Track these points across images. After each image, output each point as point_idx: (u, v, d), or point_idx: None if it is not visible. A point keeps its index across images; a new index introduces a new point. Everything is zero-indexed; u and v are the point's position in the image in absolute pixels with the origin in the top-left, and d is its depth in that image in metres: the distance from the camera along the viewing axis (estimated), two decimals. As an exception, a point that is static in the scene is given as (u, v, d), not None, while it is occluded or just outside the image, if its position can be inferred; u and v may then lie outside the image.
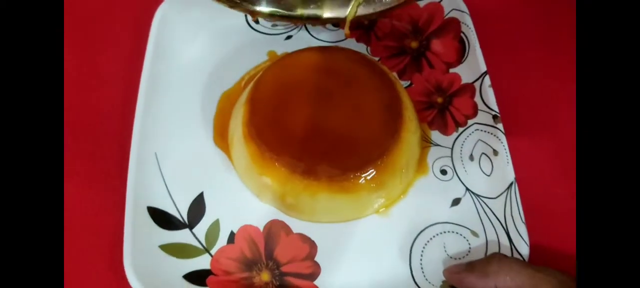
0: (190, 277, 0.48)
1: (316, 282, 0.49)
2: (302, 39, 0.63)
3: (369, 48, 0.64)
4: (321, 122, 0.52)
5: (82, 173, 0.54)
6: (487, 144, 0.56)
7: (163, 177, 0.53)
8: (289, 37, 0.64)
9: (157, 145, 0.54)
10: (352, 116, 0.52)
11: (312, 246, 0.51)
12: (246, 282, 0.48)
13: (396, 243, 0.51)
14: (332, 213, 0.51)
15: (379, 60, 0.63)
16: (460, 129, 0.58)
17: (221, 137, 0.56)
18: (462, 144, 0.57)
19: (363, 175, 0.50)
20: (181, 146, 0.55)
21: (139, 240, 0.48)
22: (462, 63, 0.62)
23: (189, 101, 0.58)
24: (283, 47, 0.63)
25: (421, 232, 0.52)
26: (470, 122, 0.58)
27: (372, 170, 0.50)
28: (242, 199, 0.53)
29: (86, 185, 0.53)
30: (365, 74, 0.55)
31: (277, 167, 0.50)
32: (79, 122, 0.57)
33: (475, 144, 0.56)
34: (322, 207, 0.51)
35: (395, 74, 0.62)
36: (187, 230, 0.51)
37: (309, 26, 0.65)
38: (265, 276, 0.49)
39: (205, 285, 0.48)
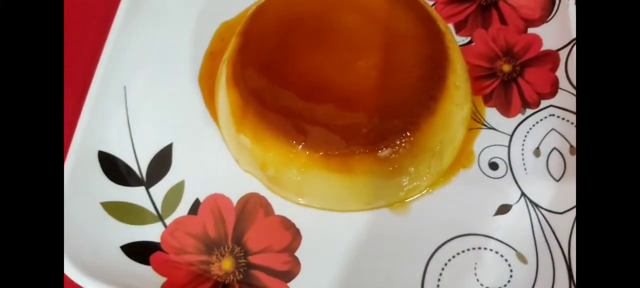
0: (129, 249, 0.39)
1: (290, 284, 0.38)
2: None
3: (423, -12, 0.51)
4: (329, 72, 0.40)
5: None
6: (563, 136, 0.43)
7: (128, 116, 0.44)
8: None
9: (128, 77, 0.45)
10: (374, 69, 0.40)
11: (295, 235, 0.40)
12: (200, 267, 0.39)
13: (409, 252, 0.39)
14: (327, 197, 0.40)
15: (432, 5, 0.49)
16: (529, 111, 0.44)
17: (209, 77, 0.45)
18: (528, 132, 0.43)
19: (376, 153, 0.38)
20: (157, 82, 0.46)
21: (77, 190, 0.39)
22: (547, 22, 0.48)
23: (178, 28, 0.48)
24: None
25: (446, 242, 0.40)
26: (544, 103, 0.44)
27: (391, 147, 0.38)
28: (218, 161, 0.43)
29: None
30: (403, 16, 0.43)
31: (261, 126, 0.39)
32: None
33: (547, 134, 0.43)
34: (314, 187, 0.40)
35: (451, 26, 0.48)
36: (142, 189, 0.42)
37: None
38: (226, 264, 0.39)
39: (147, 264, 0.38)
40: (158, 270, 0.38)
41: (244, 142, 0.40)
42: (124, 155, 0.43)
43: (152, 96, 0.45)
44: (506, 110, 0.45)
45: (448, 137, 0.41)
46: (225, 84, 0.41)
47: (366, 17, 0.43)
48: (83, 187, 0.40)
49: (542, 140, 0.43)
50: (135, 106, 0.45)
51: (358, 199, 0.40)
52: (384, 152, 0.38)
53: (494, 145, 0.44)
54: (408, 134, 0.39)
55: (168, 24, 0.48)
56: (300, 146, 0.38)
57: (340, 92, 0.40)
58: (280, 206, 0.41)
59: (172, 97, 0.45)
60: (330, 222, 0.41)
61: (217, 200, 0.41)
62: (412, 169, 0.40)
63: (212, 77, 0.45)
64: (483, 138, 0.44)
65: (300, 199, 0.41)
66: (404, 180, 0.40)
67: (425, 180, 0.41)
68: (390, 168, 0.39)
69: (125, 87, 0.45)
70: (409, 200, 0.41)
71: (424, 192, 0.42)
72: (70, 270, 0.35)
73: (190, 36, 0.48)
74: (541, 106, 0.45)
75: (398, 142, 0.38)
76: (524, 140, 0.44)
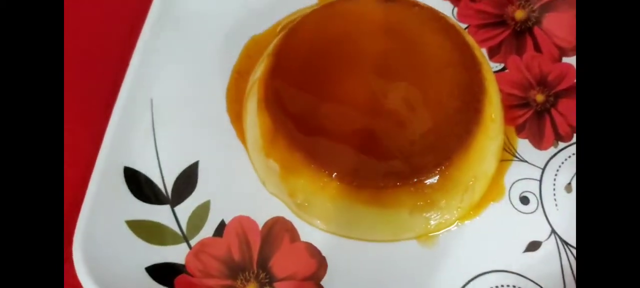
0: (154, 270, 0.39)
1: (315, 315, 0.38)
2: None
3: (456, 10, 0.50)
4: (363, 99, 0.40)
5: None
6: (596, 173, 0.42)
7: (154, 131, 0.44)
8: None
9: (155, 91, 0.45)
10: (408, 98, 0.40)
11: (320, 264, 0.40)
12: (224, 292, 0.38)
13: (436, 286, 0.39)
14: (355, 227, 0.40)
15: (465, 28, 0.48)
16: (561, 144, 0.44)
17: (236, 95, 0.45)
18: (560, 166, 0.43)
19: (409, 188, 0.38)
20: (185, 96, 0.45)
21: (102, 207, 0.39)
22: (582, 52, 0.46)
23: (206, 41, 0.48)
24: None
25: (475, 278, 0.39)
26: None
27: (423, 181, 0.38)
28: (244, 182, 0.42)
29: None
30: (440, 41, 0.43)
31: (291, 151, 0.39)
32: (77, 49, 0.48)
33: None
34: (343, 216, 0.40)
35: (484, 51, 0.48)
36: (167, 207, 0.42)
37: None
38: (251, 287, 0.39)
39: (171, 287, 0.38)
40: (182, 293, 0.38)
41: (272, 166, 0.40)
42: (150, 171, 0.43)
43: (179, 111, 0.45)
44: (538, 142, 0.45)
45: (481, 170, 0.41)
46: (257, 105, 0.41)
47: (402, 42, 0.42)
48: (108, 204, 0.40)
49: (574, 176, 0.43)
50: (162, 121, 0.45)
51: (386, 230, 0.40)
52: (417, 187, 0.38)
53: (526, 178, 0.43)
54: (442, 168, 0.38)
55: (196, 36, 0.48)
56: (332, 175, 0.38)
57: (374, 121, 0.39)
58: (306, 232, 0.41)
59: (199, 113, 0.45)
60: (357, 251, 0.40)
61: (242, 222, 0.41)
62: (444, 203, 0.40)
63: (239, 95, 0.45)
64: (514, 170, 0.44)
65: (328, 226, 0.40)
66: (434, 213, 0.40)
67: (455, 214, 0.41)
68: (421, 202, 0.38)
69: (151, 100, 0.45)
70: (437, 233, 0.41)
71: (453, 226, 0.41)
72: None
73: (219, 50, 0.48)
74: (574, 140, 0.44)
75: (431, 177, 0.38)
76: (556, 175, 0.43)
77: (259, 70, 0.43)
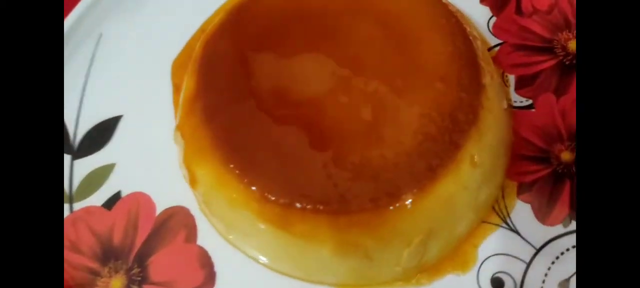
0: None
1: (180, 340, 0.30)
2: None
3: (493, 20, 0.40)
4: (307, 91, 0.31)
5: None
6: (609, 277, 0.30)
7: (90, 66, 0.38)
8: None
9: (108, 26, 0.39)
10: (368, 106, 0.31)
11: (208, 279, 0.32)
12: (84, 276, 0.32)
13: None
14: (260, 249, 0.32)
15: (497, 46, 0.38)
16: (575, 225, 0.32)
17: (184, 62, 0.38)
18: (562, 254, 0.32)
19: (328, 216, 0.29)
20: (136, 39, 0.39)
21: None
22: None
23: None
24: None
25: None
26: (601, 222, 0.32)
27: (351, 216, 0.29)
28: (162, 158, 0.35)
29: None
30: (436, 45, 0.33)
31: (202, 128, 0.32)
32: None
33: None
34: (245, 230, 0.31)
35: (511, 78, 0.37)
36: (67, 158, 0.36)
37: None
38: (115, 284, 0.32)
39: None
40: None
41: (180, 142, 0.32)
42: (67, 110, 0.37)
43: (125, 57, 0.39)
44: (544, 213, 0.34)
45: (440, 227, 0.31)
46: (189, 68, 0.34)
47: (384, 30, 0.33)
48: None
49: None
50: (103, 60, 0.39)
51: (299, 265, 0.32)
52: (341, 221, 0.29)
53: (509, 255, 0.32)
54: (380, 207, 0.29)
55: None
56: (235, 172, 0.30)
57: (311, 121, 0.31)
58: (206, 235, 0.33)
59: (144, 68, 0.39)
60: (257, 280, 0.32)
61: (139, 201, 0.34)
62: (377, 254, 0.30)
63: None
64: (497, 240, 0.33)
65: (227, 232, 0.32)
66: (364, 263, 0.30)
67: (397, 272, 0.31)
68: (347, 244, 0.29)
69: (100, 35, 0.39)
70: (366, 288, 0.32)
71: (391, 287, 0.32)
72: None
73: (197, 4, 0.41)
74: (596, 224, 0.33)
75: (361, 214, 0.29)
76: (553, 264, 0.32)
77: (208, 30, 0.35)
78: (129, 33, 0.40)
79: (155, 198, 0.35)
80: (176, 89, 0.37)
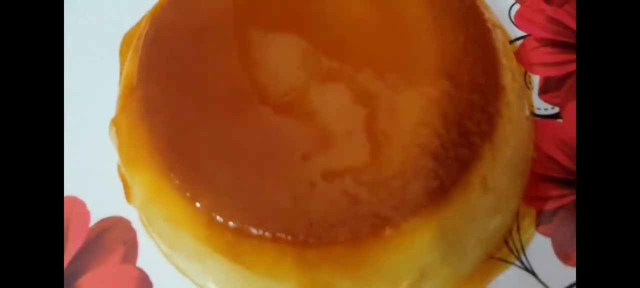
0: None
1: None
2: None
3: (516, 7, 0.33)
4: (279, 84, 0.25)
5: None
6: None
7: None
8: None
9: None
10: (352, 109, 0.25)
11: (145, 310, 0.26)
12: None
13: None
14: (207, 275, 0.25)
15: (517, 42, 0.32)
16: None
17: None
18: (589, 303, 0.25)
19: (295, 250, 0.23)
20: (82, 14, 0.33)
21: None
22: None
23: None
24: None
25: None
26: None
27: (322, 250, 0.23)
28: (104, 155, 0.29)
29: None
30: (447, 34, 0.26)
31: (140, 121, 0.25)
32: None
33: None
34: (187, 251, 0.25)
35: (535, 80, 0.31)
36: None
37: None
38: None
39: None
40: None
41: (114, 138, 0.26)
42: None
43: (72, 29, 0.33)
44: (568, 250, 0.28)
45: (438, 266, 0.25)
46: (132, 45, 0.28)
47: (377, 10, 0.27)
48: None
49: (608, 329, 0.25)
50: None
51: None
52: (307, 253, 0.23)
53: (522, 301, 0.26)
54: (359, 241, 0.23)
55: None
56: (175, 182, 0.23)
57: (278, 123, 0.24)
58: (149, 256, 0.27)
59: (91, 43, 0.33)
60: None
61: (71, 207, 0.28)
62: (355, 293, 0.24)
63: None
64: (508, 281, 0.27)
65: (174, 258, 0.26)
66: (336, 302, 0.24)
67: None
68: (310, 283, 0.23)
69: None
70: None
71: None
72: None
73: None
74: (632, 268, 0.26)
75: (334, 247, 0.23)
76: (578, 315, 0.26)
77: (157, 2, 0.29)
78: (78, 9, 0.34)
79: (90, 205, 0.29)
80: (121, 72, 0.31)
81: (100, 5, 0.34)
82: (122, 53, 0.33)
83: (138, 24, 0.33)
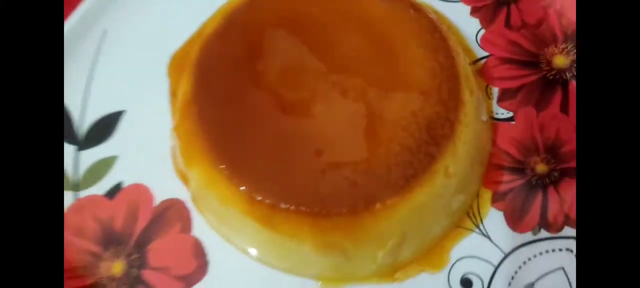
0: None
1: (171, 321, 0.34)
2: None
3: (482, 32, 0.43)
4: (295, 96, 0.35)
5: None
6: (570, 283, 0.34)
7: (95, 62, 0.42)
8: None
9: (112, 23, 0.43)
10: (349, 114, 0.34)
11: (200, 267, 0.36)
12: (87, 259, 0.36)
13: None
14: (247, 239, 0.35)
15: (480, 61, 0.41)
16: (544, 234, 0.36)
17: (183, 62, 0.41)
18: (530, 259, 0.35)
19: (309, 218, 0.32)
20: (139, 40, 0.42)
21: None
22: (619, 130, 0.37)
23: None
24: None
25: None
26: (568, 231, 0.35)
27: (328, 218, 0.32)
28: (159, 153, 0.39)
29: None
30: (421, 60, 0.37)
31: (195, 129, 0.35)
32: None
33: (553, 271, 0.35)
34: (233, 226, 0.35)
35: (495, 91, 0.40)
36: (72, 149, 0.39)
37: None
38: (116, 268, 0.36)
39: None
40: (44, 244, 0.36)
41: (175, 142, 0.36)
42: (72, 104, 0.41)
43: (128, 54, 0.42)
44: (516, 221, 0.37)
45: (413, 231, 0.34)
46: (186, 71, 0.37)
47: (373, 44, 0.36)
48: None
49: (542, 276, 0.35)
50: (107, 56, 0.42)
51: (283, 259, 0.35)
52: (319, 222, 0.32)
53: (480, 258, 0.36)
54: (356, 211, 0.32)
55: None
56: (225, 173, 0.33)
57: (297, 127, 0.34)
58: (201, 228, 0.37)
59: (145, 65, 0.42)
60: (244, 269, 0.36)
61: (139, 192, 0.38)
62: (352, 253, 0.34)
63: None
64: (469, 243, 0.37)
65: (219, 226, 0.36)
66: (339, 260, 0.34)
67: (371, 269, 0.35)
68: (323, 243, 0.33)
69: (105, 32, 0.43)
70: (344, 283, 0.35)
71: (367, 281, 0.35)
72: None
73: (196, 3, 0.44)
74: (562, 233, 0.36)
75: (339, 217, 0.32)
76: (520, 268, 0.35)
77: (205, 35, 0.39)
78: (132, 30, 0.43)
79: (153, 190, 0.38)
80: (172, 88, 0.41)
81: (151, 32, 0.43)
82: (171, 69, 0.42)
83: (183, 47, 0.42)
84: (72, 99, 0.41)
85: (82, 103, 0.41)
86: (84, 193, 0.38)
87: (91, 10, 0.43)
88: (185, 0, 0.45)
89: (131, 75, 0.42)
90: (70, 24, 0.42)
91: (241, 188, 0.33)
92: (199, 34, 0.42)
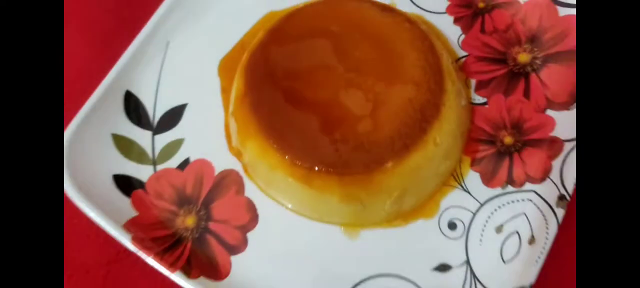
0: (119, 179, 0.49)
1: (233, 258, 0.47)
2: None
3: (462, 37, 0.55)
4: (326, 90, 0.47)
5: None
6: (530, 224, 0.46)
7: (162, 69, 0.54)
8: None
9: (173, 37, 0.55)
10: (364, 101, 0.47)
11: (252, 219, 0.48)
12: (167, 216, 0.48)
13: (339, 273, 0.46)
14: (289, 198, 0.48)
15: (461, 59, 0.54)
16: (510, 188, 0.48)
17: (230, 65, 0.54)
18: (499, 207, 0.48)
19: (335, 176, 0.45)
20: (195, 50, 0.55)
21: (96, 118, 0.50)
22: (568, 109, 0.50)
23: (226, 11, 0.57)
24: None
25: (378, 276, 0.46)
26: (528, 186, 0.48)
27: (350, 176, 0.45)
28: (216, 135, 0.51)
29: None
30: (414, 60, 0.48)
31: (248, 116, 0.47)
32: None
33: (516, 216, 0.46)
34: (279, 186, 0.47)
35: (473, 82, 0.53)
36: (149, 133, 0.52)
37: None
38: (189, 221, 0.48)
39: (128, 196, 0.48)
40: (135, 204, 0.48)
41: (233, 126, 0.48)
42: (146, 100, 0.53)
43: (187, 60, 0.54)
44: (489, 179, 0.49)
45: (414, 186, 0.46)
46: (239, 70, 0.50)
47: (379, 51, 0.49)
48: (101, 117, 0.50)
49: (509, 220, 0.47)
50: (171, 63, 0.55)
51: (314, 209, 0.47)
52: (344, 179, 0.45)
53: (461, 207, 0.48)
54: (370, 171, 0.45)
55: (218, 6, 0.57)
56: (273, 147, 0.46)
57: (327, 111, 0.46)
58: (250, 190, 0.49)
59: (201, 68, 0.54)
60: (286, 220, 0.48)
61: (203, 165, 0.50)
62: (368, 203, 0.46)
63: (234, 65, 0.53)
64: (454, 196, 0.48)
65: (266, 188, 0.48)
66: (359, 209, 0.46)
67: (381, 216, 0.47)
68: (346, 194, 0.45)
69: (168, 43, 0.55)
70: (361, 228, 0.48)
71: (378, 226, 0.48)
72: (67, 181, 0.46)
73: (240, 18, 0.57)
74: (524, 188, 0.48)
75: (357, 175, 0.45)
76: (492, 214, 0.48)
77: (253, 43, 0.51)
78: (188, 42, 0.56)
79: (213, 163, 0.51)
80: (223, 85, 0.53)
81: (202, 42, 0.56)
82: (220, 71, 0.54)
83: (229, 54, 0.55)
84: (146, 97, 0.53)
85: (154, 99, 0.53)
86: (160, 167, 0.50)
87: (157, 28, 0.54)
88: (229, 16, 0.57)
89: (190, 76, 0.54)
90: (141, 38, 0.53)
91: (286, 156, 0.45)
92: (241, 43, 0.54)
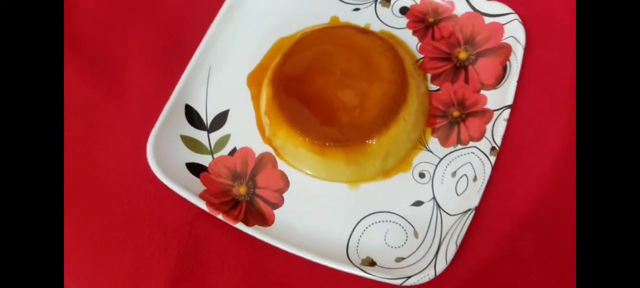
0: (190, 165, 0.71)
1: (275, 211, 0.69)
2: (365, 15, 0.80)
3: (419, 44, 0.78)
4: (328, 92, 0.69)
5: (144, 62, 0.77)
6: (473, 167, 0.68)
7: (208, 86, 0.76)
8: (356, 9, 0.81)
9: (214, 62, 0.77)
10: (356, 97, 0.69)
11: (286, 183, 0.70)
12: (227, 187, 0.70)
13: (348, 213, 0.68)
14: (309, 167, 0.70)
15: (419, 60, 0.77)
16: (459, 147, 0.70)
17: (255, 80, 0.76)
18: (452, 160, 0.70)
19: (341, 148, 0.67)
20: (232, 73, 0.77)
21: (168, 125, 0.72)
22: (495, 88, 0.73)
23: (248, 34, 0.79)
24: (347, 16, 0.80)
25: (374, 213, 0.68)
26: (470, 144, 0.70)
27: (351, 147, 0.67)
28: (252, 131, 0.73)
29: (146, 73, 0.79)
30: (387, 66, 0.70)
31: (277, 113, 0.69)
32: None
33: (464, 164, 0.65)
34: (303, 160, 0.70)
35: (428, 76, 0.76)
36: (205, 133, 0.74)
37: (378, 5, 0.81)
38: (242, 190, 0.70)
39: (198, 177, 0.71)
40: (203, 182, 0.70)
41: (266, 121, 0.71)
42: (200, 110, 0.75)
43: (224, 78, 0.77)
44: (444, 142, 0.71)
45: (393, 150, 0.69)
46: (266, 82, 0.73)
47: (363, 60, 0.71)
48: (171, 124, 0.72)
49: (459, 167, 0.67)
50: (213, 81, 0.77)
51: (328, 173, 0.70)
52: (346, 149, 0.68)
53: (427, 162, 0.71)
54: (365, 142, 0.68)
55: (248, 31, 0.79)
56: (297, 132, 0.68)
57: (331, 105, 0.69)
58: (282, 165, 0.72)
59: (234, 83, 0.76)
60: (308, 183, 0.70)
61: (246, 151, 0.72)
62: (364, 164, 0.69)
63: (258, 79, 0.75)
64: (422, 155, 0.69)
65: (293, 163, 0.71)
66: (358, 169, 0.69)
67: (373, 173, 0.70)
68: (348, 160, 0.68)
69: (210, 68, 0.78)
70: (360, 182, 0.71)
71: (372, 180, 0.71)
72: (156, 170, 0.68)
73: (260, 43, 0.79)
74: (468, 145, 0.70)
75: (356, 146, 0.68)
76: (448, 164, 0.69)
77: (274, 63, 0.74)
78: (224, 64, 0.78)
79: (253, 149, 0.73)
80: (252, 94, 0.76)
81: (234, 61, 0.78)
82: (249, 83, 0.76)
83: (255, 70, 0.77)
84: (200, 107, 0.74)
85: (205, 108, 0.75)
86: (216, 155, 0.73)
87: (202, 56, 0.75)
88: (252, 44, 0.79)
89: (228, 89, 0.76)
90: (191, 65, 0.75)
91: (306, 138, 0.68)
92: (261, 63, 0.76)
